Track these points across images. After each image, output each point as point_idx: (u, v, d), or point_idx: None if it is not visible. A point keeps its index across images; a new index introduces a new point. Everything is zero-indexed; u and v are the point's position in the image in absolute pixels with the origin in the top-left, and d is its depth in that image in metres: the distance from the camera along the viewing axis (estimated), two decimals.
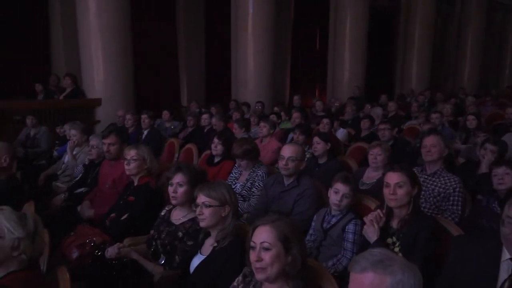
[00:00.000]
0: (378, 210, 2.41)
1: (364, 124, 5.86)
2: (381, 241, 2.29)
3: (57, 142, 5.76)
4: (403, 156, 4.23)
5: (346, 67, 10.18)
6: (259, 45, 8.26)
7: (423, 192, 2.83)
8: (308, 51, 12.92)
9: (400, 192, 2.31)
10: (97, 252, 2.44)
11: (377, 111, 6.84)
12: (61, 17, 8.74)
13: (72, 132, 4.74)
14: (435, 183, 3.06)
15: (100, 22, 6.82)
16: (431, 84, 12.39)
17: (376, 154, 3.47)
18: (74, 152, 4.67)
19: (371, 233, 2.32)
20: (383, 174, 2.54)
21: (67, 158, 4.72)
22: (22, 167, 4.44)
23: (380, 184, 2.86)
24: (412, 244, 2.25)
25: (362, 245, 2.45)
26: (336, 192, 2.65)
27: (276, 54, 8.78)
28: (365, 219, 2.39)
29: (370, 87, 10.83)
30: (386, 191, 2.35)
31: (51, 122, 6.27)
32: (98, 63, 6.99)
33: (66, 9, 8.32)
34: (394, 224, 2.37)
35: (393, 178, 2.33)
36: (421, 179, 2.89)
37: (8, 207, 1.75)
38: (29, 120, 5.94)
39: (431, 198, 3.02)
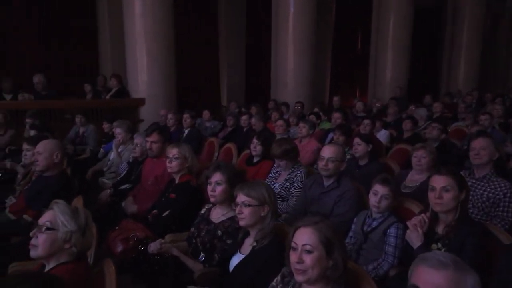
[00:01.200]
0: (423, 215, 2.32)
1: (406, 125, 5.67)
2: (425, 247, 2.21)
3: (103, 140, 6.01)
4: (449, 159, 4.06)
5: (389, 67, 9.91)
6: (299, 45, 8.22)
7: (470, 197, 2.71)
8: (349, 51, 12.72)
9: (447, 196, 2.21)
10: (140, 247, 2.52)
11: (421, 112, 6.60)
12: (108, 20, 9.12)
13: (117, 130, 4.92)
14: (483, 188, 2.92)
15: (144, 24, 7.06)
16: (479, 84, 11.80)
17: (420, 157, 3.35)
18: (119, 150, 4.85)
19: (415, 238, 2.24)
20: (428, 177, 2.45)
21: (112, 155, 4.92)
22: (71, 163, 4.68)
23: (424, 187, 2.78)
24: (459, 251, 2.15)
25: (404, 250, 2.38)
26: (375, 194, 2.59)
27: (317, 54, 8.69)
28: (408, 223, 2.31)
29: (414, 88, 10.48)
30: (431, 195, 2.26)
31: (98, 121, 6.55)
32: (142, 64, 7.24)
33: (113, 12, 8.67)
34: (440, 229, 2.28)
35: (439, 181, 2.24)
36: (469, 183, 2.76)
37: (62, 201, 1.84)
38: (78, 119, 6.24)
39: (479, 204, 2.88)
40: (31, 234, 1.78)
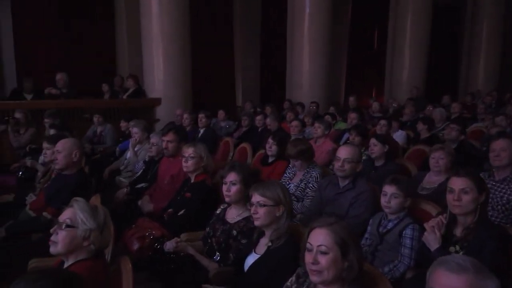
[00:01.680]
0: (440, 216, 2.29)
1: (420, 126, 5.60)
2: (443, 249, 2.18)
3: (121, 139, 6.09)
4: (468, 161, 3.98)
5: (406, 66, 9.76)
6: (314, 45, 8.19)
7: (490, 200, 2.66)
8: (365, 50, 12.60)
9: (466, 198, 2.18)
10: (156, 245, 2.55)
11: (439, 113, 6.49)
12: (126, 21, 9.24)
13: (134, 130, 4.99)
14: (504, 190, 2.86)
15: (161, 25, 7.14)
16: (499, 84, 11.54)
17: (438, 158, 3.30)
18: (136, 149, 4.91)
19: (432, 240, 2.21)
20: (446, 179, 2.41)
21: (129, 154, 4.98)
22: (89, 162, 4.76)
23: (441, 189, 2.74)
24: (478, 254, 2.10)
25: (421, 252, 2.35)
26: (384, 195, 2.59)
27: (332, 54, 8.64)
28: (425, 225, 2.29)
29: (432, 88, 10.31)
30: (450, 197, 2.23)
31: (115, 120, 6.65)
32: (159, 64, 7.32)
33: (131, 13, 8.79)
34: (458, 232, 2.24)
35: (458, 183, 2.20)
36: (488, 186, 2.71)
37: (82, 199, 1.88)
38: (95, 118, 6.34)
39: (499, 206, 2.82)
40: (51, 230, 1.82)
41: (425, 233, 2.28)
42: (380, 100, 10.39)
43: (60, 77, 6.92)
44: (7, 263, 2.50)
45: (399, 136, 5.83)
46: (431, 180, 3.34)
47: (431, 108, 7.40)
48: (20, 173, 4.71)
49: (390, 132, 5.68)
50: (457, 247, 2.21)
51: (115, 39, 9.62)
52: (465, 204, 2.18)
